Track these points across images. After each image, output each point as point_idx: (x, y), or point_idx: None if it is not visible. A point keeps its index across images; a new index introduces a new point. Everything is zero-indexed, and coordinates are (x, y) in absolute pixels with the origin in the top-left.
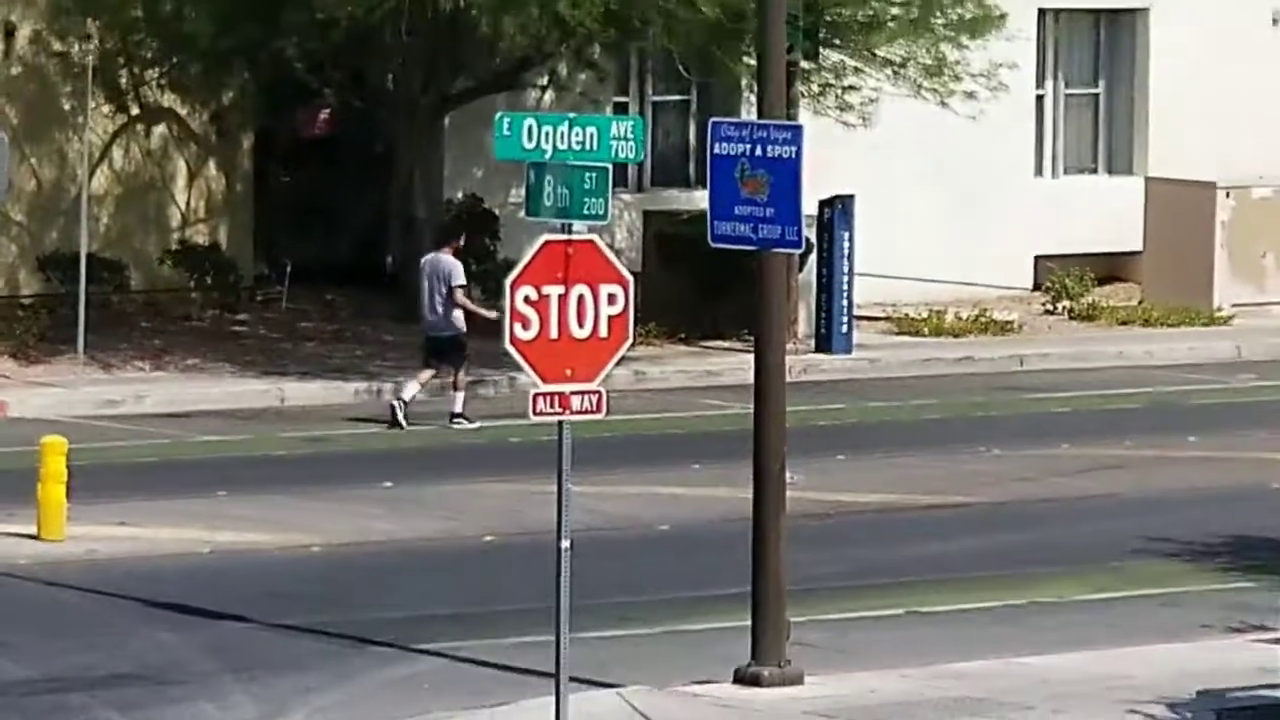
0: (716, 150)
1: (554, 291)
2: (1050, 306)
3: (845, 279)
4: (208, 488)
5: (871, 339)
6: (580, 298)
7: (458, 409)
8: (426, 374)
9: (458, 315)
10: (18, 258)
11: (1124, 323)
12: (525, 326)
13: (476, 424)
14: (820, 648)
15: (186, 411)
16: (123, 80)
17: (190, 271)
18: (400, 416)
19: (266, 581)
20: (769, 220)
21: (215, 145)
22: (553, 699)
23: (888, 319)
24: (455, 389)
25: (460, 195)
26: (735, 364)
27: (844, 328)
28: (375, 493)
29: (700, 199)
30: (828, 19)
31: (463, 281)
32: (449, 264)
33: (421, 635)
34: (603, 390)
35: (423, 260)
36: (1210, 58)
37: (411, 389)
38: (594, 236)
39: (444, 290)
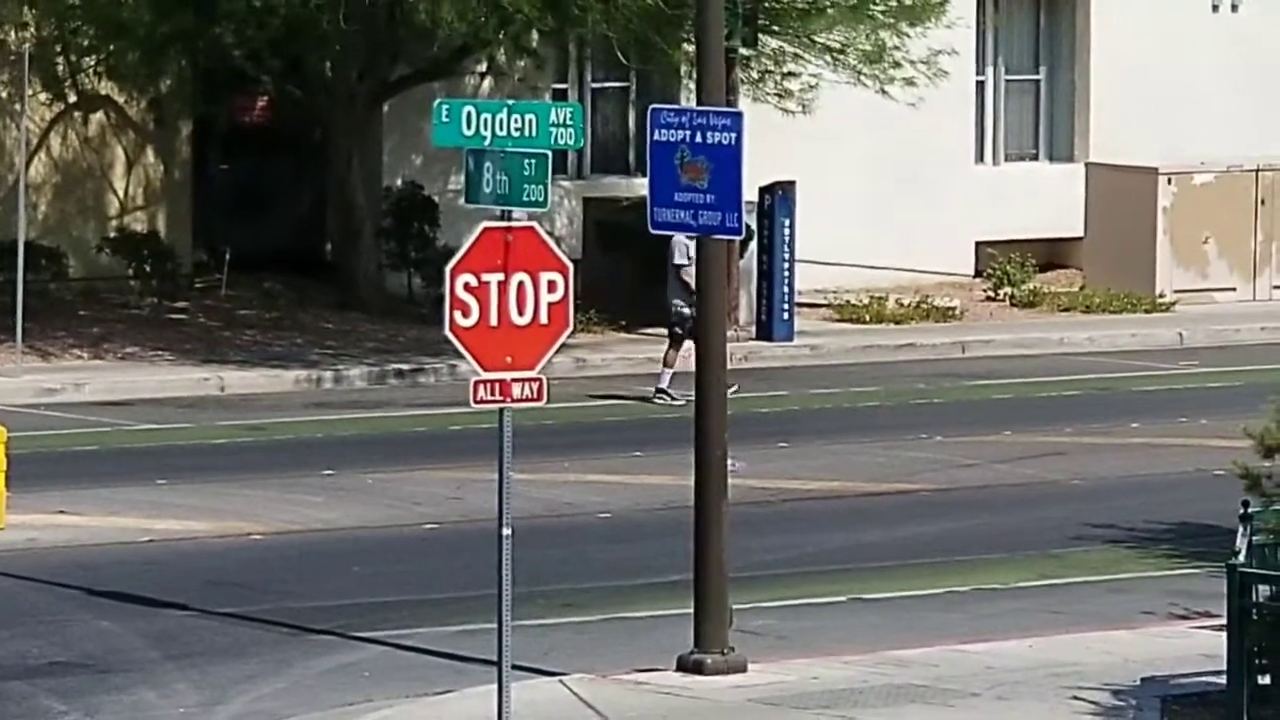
0: (656, 137)
1: (494, 279)
2: (992, 293)
3: (786, 266)
4: (147, 476)
5: (813, 326)
6: (520, 285)
7: (662, 384)
8: (672, 352)
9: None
10: None
11: (1066, 309)
12: (465, 314)
13: (681, 400)
14: (763, 635)
15: (126, 400)
16: (60, 68)
17: (129, 259)
18: (669, 400)
19: (206, 570)
20: (709, 207)
21: (153, 133)
22: (495, 687)
23: (829, 306)
24: (665, 364)
25: (399, 182)
26: None
27: (785, 315)
28: (316, 481)
29: (640, 186)
30: (766, 5)
31: (682, 260)
32: (674, 242)
33: (363, 623)
34: (543, 378)
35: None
36: (1151, 43)
37: (666, 374)
38: (534, 223)
39: (672, 267)
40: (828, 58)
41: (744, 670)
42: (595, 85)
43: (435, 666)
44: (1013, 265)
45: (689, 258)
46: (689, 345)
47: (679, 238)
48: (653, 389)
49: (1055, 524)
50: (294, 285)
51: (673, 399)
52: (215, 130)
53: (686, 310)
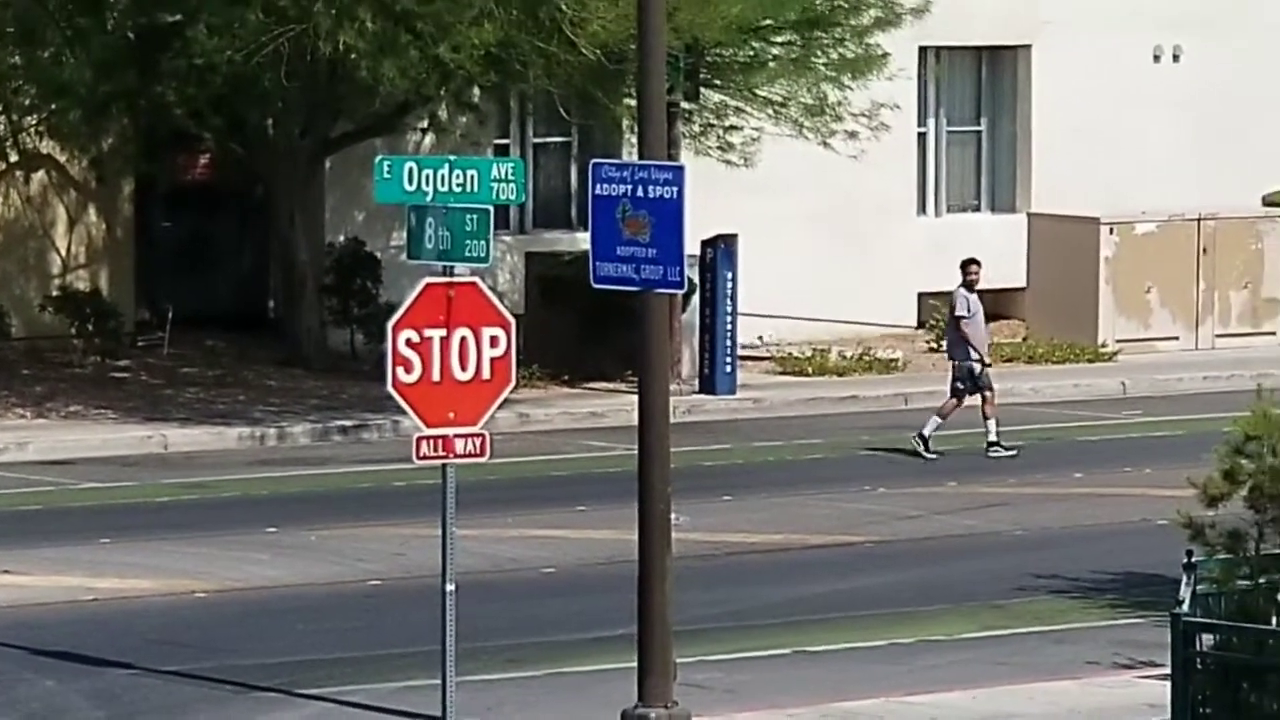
0: (598, 191)
1: (436, 334)
2: (934, 344)
3: (728, 319)
4: (91, 535)
5: (755, 379)
6: (463, 340)
7: (992, 437)
8: (950, 403)
9: (969, 346)
10: None
11: (1009, 360)
12: (408, 370)
13: (1013, 450)
14: (708, 688)
15: (69, 459)
16: (1, 128)
17: (71, 318)
18: (921, 448)
19: (150, 628)
20: (651, 261)
21: (95, 191)
22: None
23: (771, 359)
24: (985, 417)
25: (341, 239)
26: (619, 405)
27: (727, 368)
28: (260, 538)
29: (582, 240)
30: (708, 59)
31: (962, 312)
32: (956, 294)
33: (306, 680)
34: (486, 433)
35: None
36: (1093, 93)
37: (932, 424)
38: (476, 279)
39: (951, 319)
40: (770, 111)
41: None
42: (537, 140)
43: None
44: None
45: (969, 310)
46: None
47: (960, 291)
48: (913, 434)
49: (999, 575)
50: (237, 342)
51: (927, 453)
52: (157, 188)
53: (968, 364)
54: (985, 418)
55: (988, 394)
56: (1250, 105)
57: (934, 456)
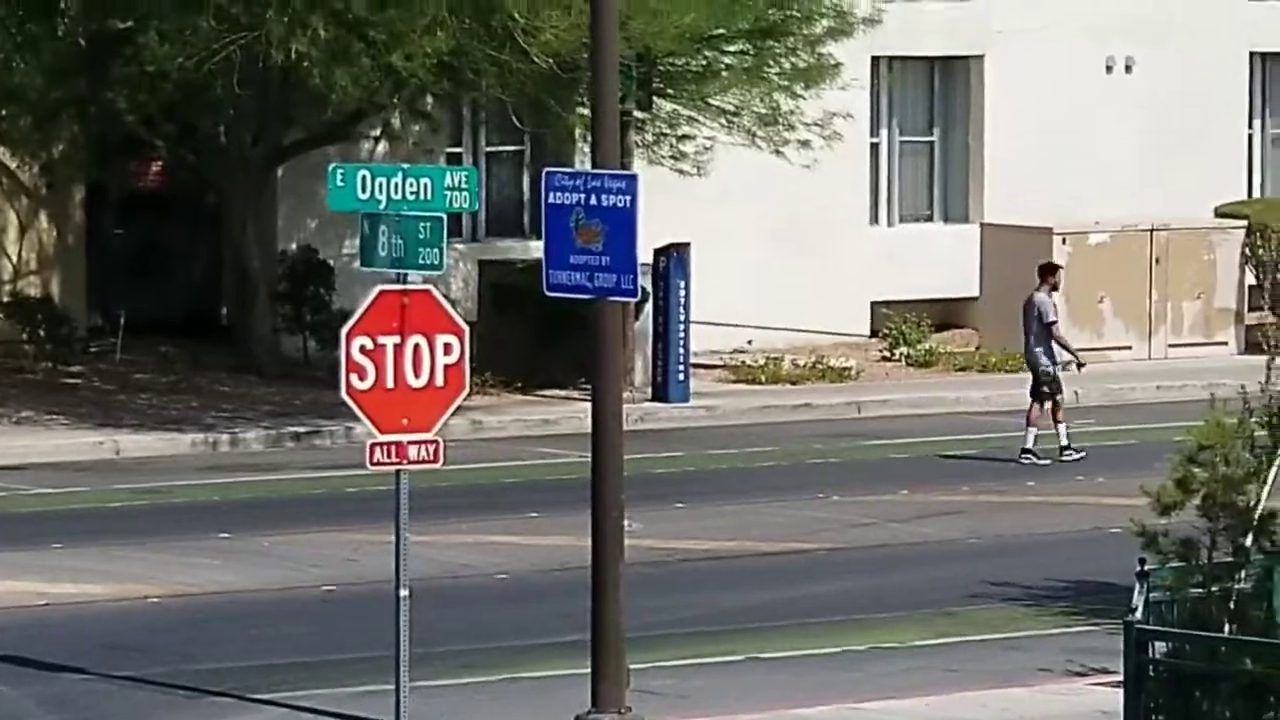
0: (551, 200)
1: (390, 341)
2: (888, 353)
3: (681, 327)
4: (43, 540)
5: (708, 387)
6: (416, 347)
7: (1063, 441)
8: (1035, 410)
9: (1053, 350)
10: None
11: (961, 369)
12: (361, 377)
13: (1083, 453)
14: (662, 694)
15: (20, 464)
16: None
17: (23, 324)
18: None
19: (103, 633)
20: (604, 269)
21: (46, 198)
22: None
23: (724, 367)
24: (1056, 422)
25: (294, 246)
26: (572, 413)
27: (680, 376)
28: (212, 544)
29: (535, 248)
30: (661, 68)
31: (1053, 318)
32: (1041, 301)
33: (260, 685)
34: (440, 440)
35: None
36: (1045, 104)
37: (1031, 434)
38: (429, 287)
39: (1036, 327)
40: (722, 120)
41: None
42: (490, 149)
43: None
44: (908, 325)
45: (1057, 315)
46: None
47: (1043, 296)
48: (1018, 450)
49: (952, 582)
50: (189, 349)
51: (1038, 459)
52: (109, 195)
53: (1053, 369)
54: (1056, 423)
55: (1059, 399)
56: (1203, 116)
57: (1046, 461)
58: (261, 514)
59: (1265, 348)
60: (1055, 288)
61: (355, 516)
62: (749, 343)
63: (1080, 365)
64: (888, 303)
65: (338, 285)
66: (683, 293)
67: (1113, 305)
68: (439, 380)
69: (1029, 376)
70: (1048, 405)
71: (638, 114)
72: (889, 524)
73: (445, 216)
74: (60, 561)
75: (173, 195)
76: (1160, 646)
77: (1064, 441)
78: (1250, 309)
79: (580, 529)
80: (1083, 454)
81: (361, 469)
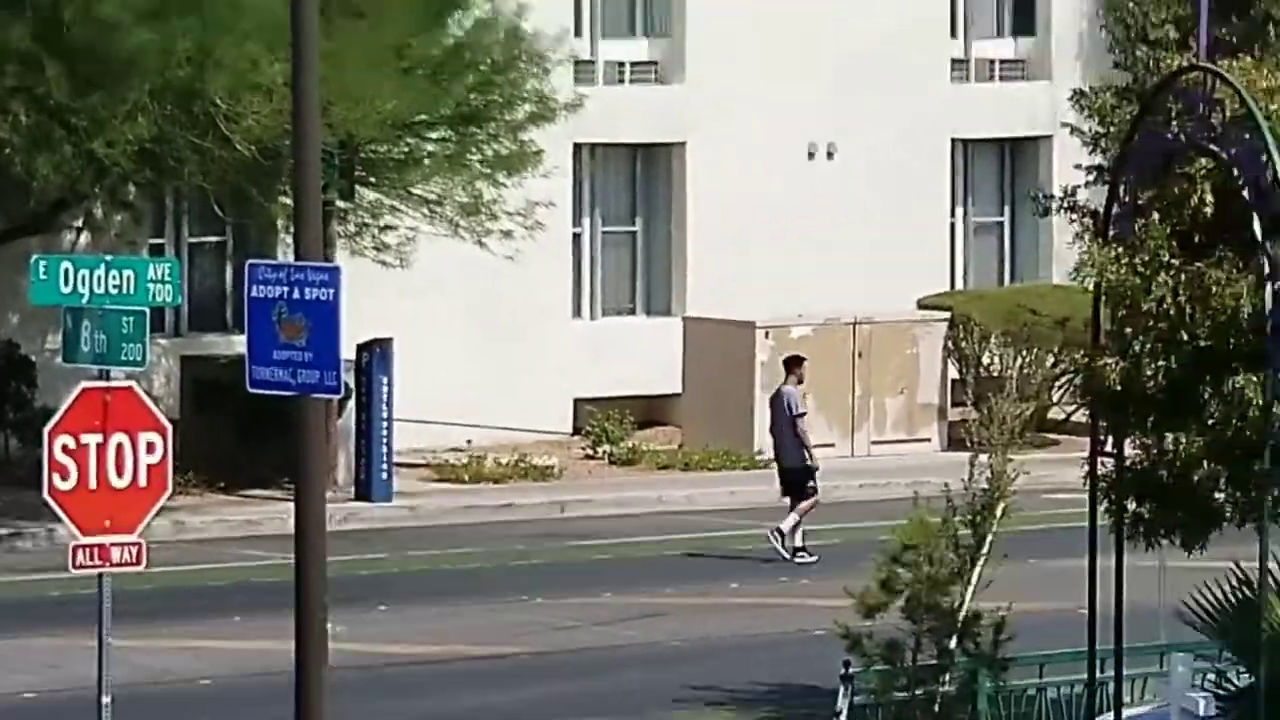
0: (254, 293)
1: (93, 440)
2: (591, 451)
3: (384, 425)
4: None
5: (412, 486)
6: (119, 446)
7: (792, 534)
8: (805, 503)
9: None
10: None
11: (664, 467)
12: (64, 477)
13: (815, 557)
14: None
15: None
16: None
17: None
18: (779, 546)
19: None
20: (308, 365)
21: None
22: None
23: (428, 465)
24: (791, 511)
25: None
26: (276, 513)
27: (384, 475)
28: None
29: (239, 343)
30: (363, 156)
31: (801, 411)
32: (789, 393)
33: None
34: (142, 541)
35: (773, 393)
36: (747, 192)
37: (789, 520)
38: (132, 383)
39: (785, 420)
40: (425, 209)
41: None
42: (192, 239)
43: None
44: (611, 422)
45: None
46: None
47: (791, 389)
48: (790, 550)
49: (656, 687)
50: None
51: (809, 555)
52: None
53: (811, 465)
54: (799, 518)
55: (814, 497)
56: (906, 204)
57: (814, 559)
58: None
59: (968, 444)
60: (800, 380)
61: (58, 620)
62: (468, 442)
63: (815, 467)
64: (591, 399)
65: (40, 381)
66: (385, 389)
67: (815, 401)
68: (142, 480)
69: (734, 474)
70: (800, 500)
71: (340, 203)
72: (592, 627)
73: (148, 310)
74: None
75: None
76: None
77: (799, 542)
78: (953, 404)
79: (284, 632)
80: (816, 557)
81: (64, 571)
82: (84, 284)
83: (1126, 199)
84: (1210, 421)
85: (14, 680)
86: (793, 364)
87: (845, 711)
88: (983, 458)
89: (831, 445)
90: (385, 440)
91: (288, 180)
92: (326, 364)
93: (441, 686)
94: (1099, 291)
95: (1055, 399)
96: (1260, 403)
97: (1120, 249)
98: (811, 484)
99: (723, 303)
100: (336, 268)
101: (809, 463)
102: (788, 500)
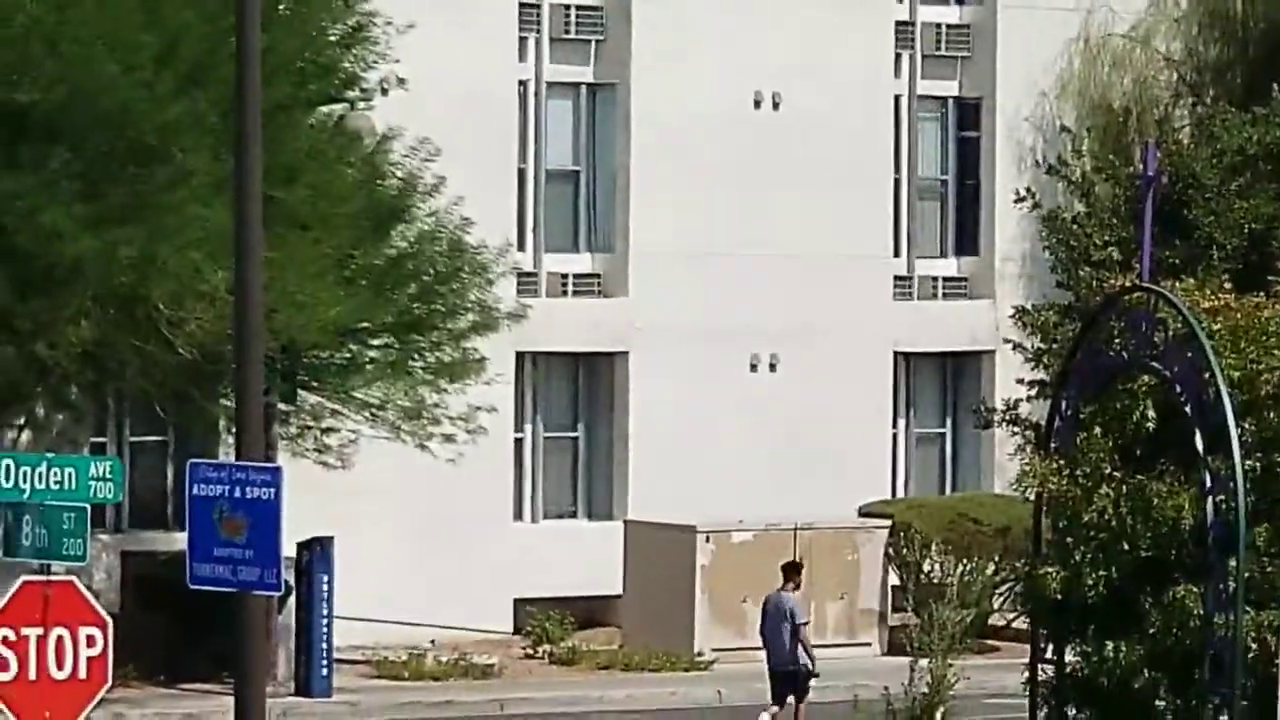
0: (195, 492)
1: (33, 633)
2: (531, 650)
3: (324, 622)
4: None
5: (352, 683)
6: (59, 639)
7: None
8: (774, 709)
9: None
10: None
11: (605, 667)
12: (4, 668)
13: None
14: None
15: None
16: None
17: None
18: None
19: None
20: (248, 562)
21: None
22: None
23: (368, 662)
24: (795, 716)
25: None
26: (215, 707)
27: (324, 671)
28: None
29: (180, 540)
30: (306, 361)
31: (806, 619)
32: (791, 601)
33: None
34: None
35: (766, 598)
36: (689, 401)
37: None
38: (73, 578)
39: (789, 626)
40: (367, 413)
41: None
42: (134, 438)
43: None
44: (551, 622)
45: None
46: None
47: (792, 596)
48: None
49: None
50: None
51: None
52: None
53: (807, 668)
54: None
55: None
56: (848, 414)
57: None
58: None
59: (908, 649)
60: (798, 586)
61: None
62: (432, 642)
63: (814, 674)
64: (531, 599)
65: None
66: (325, 587)
67: (756, 605)
68: (82, 673)
69: (674, 675)
70: (794, 703)
71: (282, 406)
72: None
73: (89, 507)
74: None
75: None
76: None
77: None
78: (894, 609)
79: None
80: None
81: None
82: (25, 480)
83: (1069, 412)
84: (1151, 631)
85: None
86: (790, 571)
87: None
88: (923, 662)
89: None
90: (325, 637)
91: (230, 383)
92: (267, 562)
93: None
94: (1040, 502)
95: (996, 606)
96: (1200, 613)
97: (1062, 461)
98: (807, 686)
99: (663, 508)
100: (278, 468)
101: (810, 668)
102: (774, 705)
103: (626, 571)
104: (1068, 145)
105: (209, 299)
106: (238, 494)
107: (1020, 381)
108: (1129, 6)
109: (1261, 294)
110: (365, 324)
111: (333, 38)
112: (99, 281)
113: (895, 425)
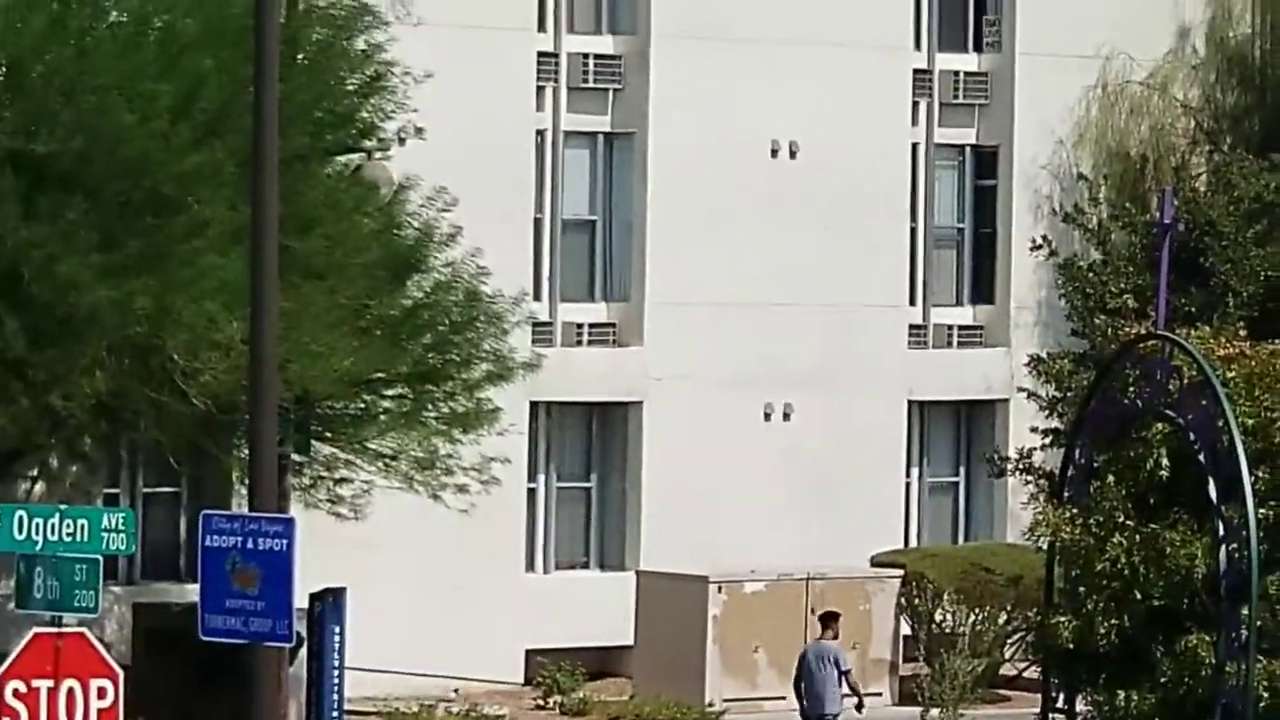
0: (208, 543)
1: (44, 685)
2: (542, 701)
3: (336, 673)
4: None
5: None
6: (70, 691)
7: None
8: None
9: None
10: None
11: (616, 718)
12: None
13: None
14: None
15: None
16: None
17: None
18: None
19: None
20: (260, 614)
21: None
22: None
23: (379, 714)
24: None
25: None
26: None
27: None
28: None
29: (192, 591)
30: (319, 412)
31: (849, 666)
32: (835, 648)
33: None
34: None
35: (804, 649)
36: (703, 451)
37: None
38: (84, 629)
39: (835, 673)
40: (380, 464)
41: None
42: (147, 489)
43: None
44: (563, 673)
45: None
46: None
47: (835, 645)
48: None
49: None
50: None
51: None
52: None
53: (833, 713)
54: None
55: None
56: (861, 463)
57: None
58: None
59: (920, 699)
60: (836, 635)
61: None
62: (455, 692)
63: (862, 708)
64: (542, 650)
65: None
66: (337, 638)
67: (767, 655)
68: None
69: None
70: None
71: (295, 457)
72: None
73: (102, 558)
74: None
75: None
76: None
77: None
78: (905, 659)
79: None
80: None
81: None
82: (38, 531)
83: (1082, 461)
84: (1163, 680)
85: None
86: (829, 619)
87: None
88: (934, 712)
89: (783, 698)
90: (337, 688)
91: (244, 434)
92: (278, 613)
93: None
94: (1053, 551)
95: (1007, 655)
96: (1212, 661)
97: (1075, 510)
98: None
99: (676, 558)
100: (290, 519)
101: (860, 705)
102: None
103: (638, 622)
104: (1085, 193)
105: (224, 349)
106: (250, 545)
107: (1034, 430)
108: (1147, 54)
109: (1277, 341)
110: (380, 374)
111: (351, 87)
112: (114, 331)
113: (909, 474)
